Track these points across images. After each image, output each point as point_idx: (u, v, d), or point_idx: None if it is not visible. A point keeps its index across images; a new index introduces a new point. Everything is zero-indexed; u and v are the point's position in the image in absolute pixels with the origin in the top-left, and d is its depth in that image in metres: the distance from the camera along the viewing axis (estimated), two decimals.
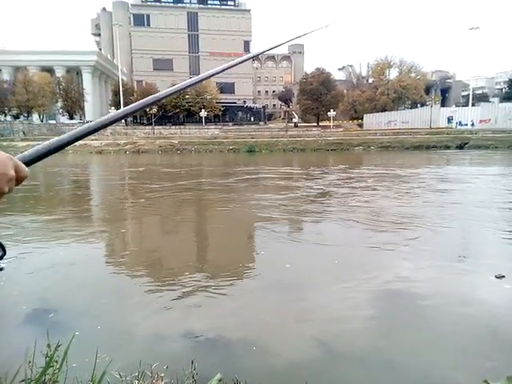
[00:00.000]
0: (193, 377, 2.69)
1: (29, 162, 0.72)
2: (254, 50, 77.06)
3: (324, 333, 3.69)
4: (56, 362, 2.22)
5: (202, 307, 4.28)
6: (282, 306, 4.28)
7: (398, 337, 3.59)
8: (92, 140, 40.41)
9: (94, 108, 58.52)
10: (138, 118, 56.31)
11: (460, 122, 47.60)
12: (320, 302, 4.37)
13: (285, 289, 4.73)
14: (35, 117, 52.33)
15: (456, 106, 56.08)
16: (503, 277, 4.91)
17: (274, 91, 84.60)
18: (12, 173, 0.64)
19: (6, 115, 50.08)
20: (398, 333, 3.66)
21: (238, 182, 14.74)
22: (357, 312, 4.11)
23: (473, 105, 50.54)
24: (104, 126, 0.87)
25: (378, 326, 3.81)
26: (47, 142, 0.77)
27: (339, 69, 73.80)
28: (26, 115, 50.36)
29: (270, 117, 71.66)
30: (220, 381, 1.80)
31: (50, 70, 55.36)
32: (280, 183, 14.43)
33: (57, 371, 2.27)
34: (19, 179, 0.65)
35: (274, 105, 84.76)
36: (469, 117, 47.23)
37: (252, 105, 64.85)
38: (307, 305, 4.32)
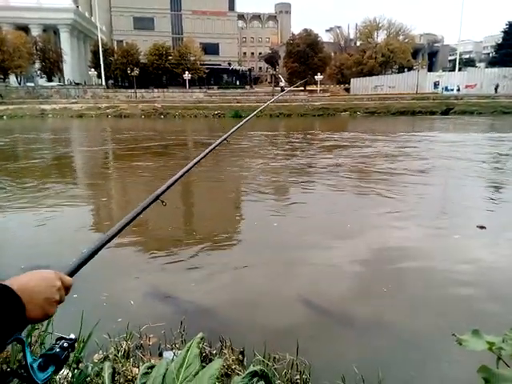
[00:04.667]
0: (181, 336, 2.72)
1: (72, 273, 0.87)
2: (239, 8, 74.14)
3: (312, 293, 3.75)
4: (41, 324, 2.20)
5: (190, 271, 4.30)
6: (270, 263, 4.35)
7: (385, 294, 3.68)
8: (72, 103, 39.10)
9: (72, 69, 56.21)
10: (120, 80, 54.43)
11: (446, 88, 47.45)
12: (307, 262, 4.44)
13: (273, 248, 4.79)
14: (12, 79, 50.05)
15: (443, 70, 55.64)
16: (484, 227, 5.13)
17: (260, 53, 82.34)
18: (59, 283, 0.77)
19: None
20: (383, 290, 3.74)
21: (224, 149, 14.59)
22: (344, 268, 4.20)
23: (459, 70, 50.25)
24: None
25: (363, 286, 3.90)
26: (83, 254, 0.93)
27: (327, 30, 72.10)
28: (2, 77, 48.10)
29: (256, 80, 70.12)
30: (202, 339, 1.82)
31: (25, 29, 52.43)
32: (263, 151, 14.33)
33: (42, 333, 2.25)
34: (66, 287, 0.79)
35: (261, 68, 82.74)
36: (455, 82, 47.07)
37: (237, 67, 63.22)
38: (295, 265, 4.39)
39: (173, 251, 4.84)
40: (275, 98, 2.72)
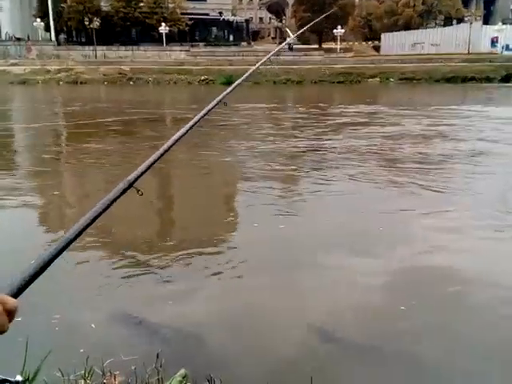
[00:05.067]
0: (158, 373, 2.75)
1: (17, 293, 0.86)
2: None
3: (325, 319, 3.79)
4: None
5: (168, 286, 4.32)
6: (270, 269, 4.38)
7: (416, 322, 3.72)
8: (11, 65, 38.93)
9: (12, 20, 55.82)
10: (75, 34, 54.18)
11: (507, 46, 47.31)
12: (318, 276, 4.48)
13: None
14: None
15: (503, 23, 55.47)
16: None
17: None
18: None
19: None
20: (417, 317, 3.78)
21: (212, 127, 14.62)
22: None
23: None
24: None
25: (394, 308, 3.93)
26: (30, 267, 0.92)
27: None
28: None
29: (255, 35, 69.90)
30: (185, 377, 1.84)
31: None
32: (262, 131, 14.35)
33: None
34: (9, 312, 0.77)
35: (261, 18, 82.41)
36: None
37: (231, 18, 62.82)
38: (304, 280, 4.43)
39: (146, 260, 4.87)
40: (269, 56, 2.61)
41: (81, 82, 35.57)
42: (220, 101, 1.90)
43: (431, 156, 9.93)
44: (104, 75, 36.63)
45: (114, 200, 1.16)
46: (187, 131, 1.57)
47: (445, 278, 4.46)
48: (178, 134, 1.52)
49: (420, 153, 10.21)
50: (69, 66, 38.58)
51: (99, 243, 5.30)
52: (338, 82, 35.01)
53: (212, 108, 1.78)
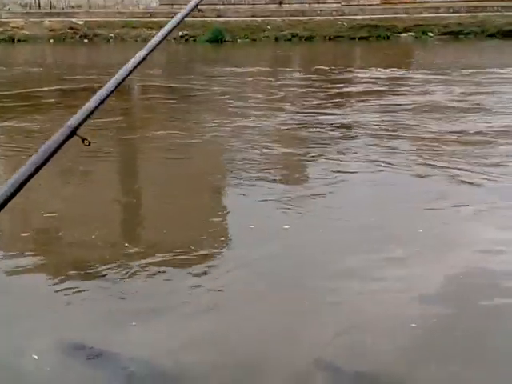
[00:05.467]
0: None
1: None
2: None
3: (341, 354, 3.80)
4: None
5: (132, 304, 4.34)
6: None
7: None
8: None
9: None
10: None
11: None
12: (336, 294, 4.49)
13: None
14: None
15: None
16: None
17: None
18: None
19: None
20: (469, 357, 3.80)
21: (184, 99, 14.59)
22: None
23: None
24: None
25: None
26: None
27: None
28: None
29: None
30: None
31: None
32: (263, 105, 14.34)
33: None
34: None
35: None
36: None
37: None
38: (315, 300, 4.44)
39: (103, 274, 4.89)
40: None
41: (18, 40, 35.26)
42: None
43: (469, 135, 9.92)
44: (50, 31, 36.38)
45: (55, 151, 1.19)
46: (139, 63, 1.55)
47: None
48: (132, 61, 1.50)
49: (456, 131, 10.19)
50: (2, 20, 38.37)
51: (42, 251, 5.30)
52: (360, 39, 34.43)
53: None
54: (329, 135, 10.13)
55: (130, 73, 1.45)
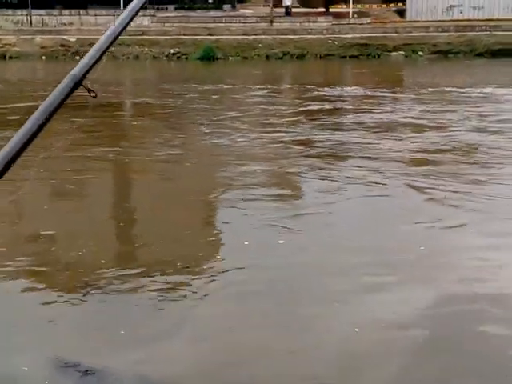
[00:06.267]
0: None
1: None
2: None
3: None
4: None
5: (124, 326, 4.29)
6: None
7: None
8: None
9: None
10: None
11: None
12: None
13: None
14: None
15: None
16: None
17: None
18: None
19: None
20: None
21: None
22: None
23: None
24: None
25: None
26: None
27: None
28: None
29: None
30: None
31: None
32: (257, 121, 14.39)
33: None
34: None
35: None
36: None
37: None
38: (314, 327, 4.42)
39: (93, 288, 4.90)
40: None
41: (10, 57, 35.26)
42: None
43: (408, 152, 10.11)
44: (42, 48, 36.45)
45: (59, 104, 1.12)
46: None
47: None
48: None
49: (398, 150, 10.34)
50: None
51: (34, 266, 5.28)
52: (351, 57, 34.70)
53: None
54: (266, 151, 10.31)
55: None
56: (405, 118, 13.32)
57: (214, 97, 17.13)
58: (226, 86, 20.11)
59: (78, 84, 1.12)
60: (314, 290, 5.01)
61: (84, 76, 1.13)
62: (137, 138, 11.91)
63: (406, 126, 12.36)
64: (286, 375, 3.81)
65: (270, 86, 22.14)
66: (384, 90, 18.83)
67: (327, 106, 15.73)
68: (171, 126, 12.96)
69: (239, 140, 11.15)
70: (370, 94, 17.95)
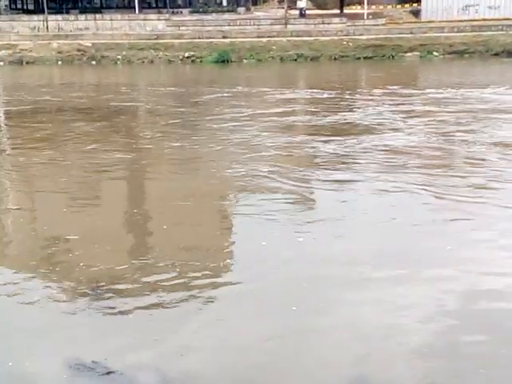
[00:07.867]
0: None
1: None
2: None
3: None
4: None
5: (139, 330, 4.30)
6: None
7: None
8: None
9: None
10: (19, 0, 54.54)
11: None
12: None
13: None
14: None
15: None
16: None
17: None
18: None
19: None
20: None
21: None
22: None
23: None
24: None
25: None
26: None
27: None
28: None
29: None
30: None
31: None
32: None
33: None
34: None
35: None
36: None
37: None
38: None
39: (110, 293, 4.89)
40: None
41: (27, 62, 35.42)
42: None
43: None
44: (58, 53, 36.60)
45: None
46: None
47: None
48: None
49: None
50: (11, 42, 38.70)
51: (51, 273, 5.31)
52: (366, 58, 34.51)
53: None
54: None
55: None
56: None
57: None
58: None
59: None
60: None
61: None
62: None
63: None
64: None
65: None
66: (377, 90, 18.78)
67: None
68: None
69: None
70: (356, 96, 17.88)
